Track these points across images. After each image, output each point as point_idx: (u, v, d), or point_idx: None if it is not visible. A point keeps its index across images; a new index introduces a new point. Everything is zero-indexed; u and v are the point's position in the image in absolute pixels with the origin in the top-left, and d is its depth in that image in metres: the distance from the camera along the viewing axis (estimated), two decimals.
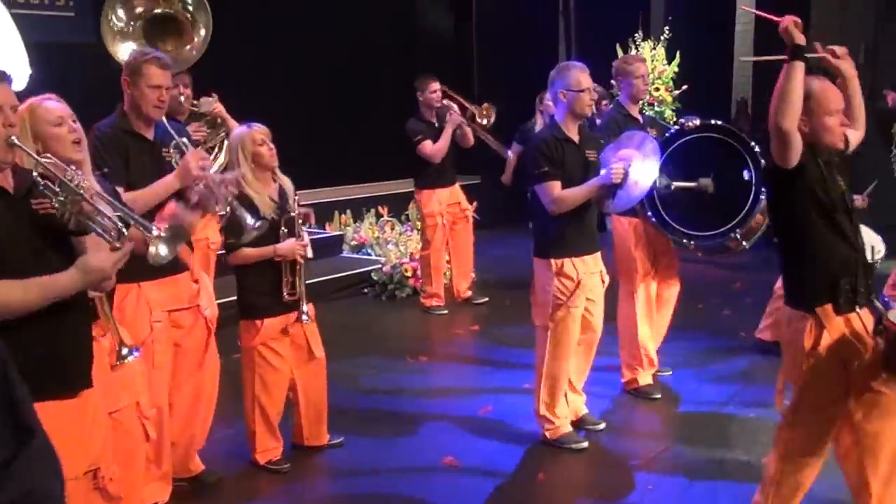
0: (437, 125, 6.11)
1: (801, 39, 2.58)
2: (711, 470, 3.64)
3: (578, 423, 4.02)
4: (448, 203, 6.22)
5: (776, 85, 2.56)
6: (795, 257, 2.77)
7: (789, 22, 2.59)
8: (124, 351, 2.39)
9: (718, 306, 6.15)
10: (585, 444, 3.87)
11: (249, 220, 3.27)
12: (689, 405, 4.46)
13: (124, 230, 2.09)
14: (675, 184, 4.17)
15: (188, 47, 4.06)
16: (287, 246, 3.58)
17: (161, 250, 2.20)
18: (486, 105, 6.39)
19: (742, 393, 4.52)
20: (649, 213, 4.25)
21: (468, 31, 9.98)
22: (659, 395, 4.48)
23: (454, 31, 10.29)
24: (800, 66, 2.54)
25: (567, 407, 3.92)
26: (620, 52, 7.39)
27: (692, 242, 4.24)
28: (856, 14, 8.77)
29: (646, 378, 4.54)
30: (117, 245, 2.07)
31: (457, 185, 6.32)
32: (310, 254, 3.66)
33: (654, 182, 3.98)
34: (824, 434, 2.75)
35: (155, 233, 2.18)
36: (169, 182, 3.06)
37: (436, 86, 6.10)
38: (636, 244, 4.44)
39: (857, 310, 2.69)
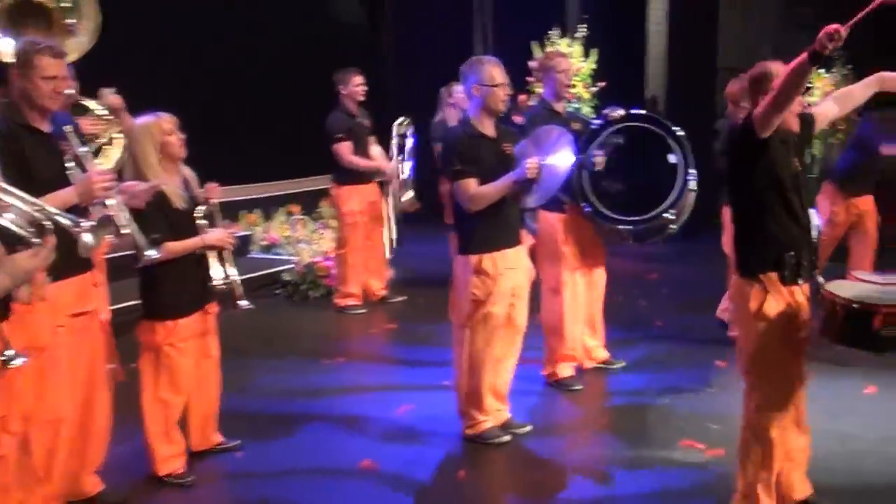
0: (358, 119, 5.99)
1: (827, 49, 2.53)
2: (633, 458, 3.64)
3: (503, 427, 3.88)
4: (368, 201, 6.08)
5: (791, 65, 2.64)
6: (747, 228, 2.94)
7: (832, 29, 2.53)
8: (10, 352, 2.20)
9: (636, 297, 6.25)
10: (507, 439, 3.80)
11: (150, 251, 3.05)
12: (610, 396, 4.49)
13: (47, 224, 2.00)
14: (595, 153, 4.19)
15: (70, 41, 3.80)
16: (217, 235, 3.51)
17: (88, 239, 2.15)
18: (415, 203, 6.15)
19: (659, 380, 4.58)
20: (583, 205, 4.25)
21: (382, 27, 9.86)
22: (580, 387, 4.48)
23: (368, 28, 10.14)
24: (811, 69, 2.62)
25: (491, 403, 3.83)
26: (537, 50, 7.39)
27: (629, 228, 4.27)
28: (760, 14, 9.09)
29: (566, 370, 4.53)
30: (37, 241, 1.98)
31: (374, 183, 6.19)
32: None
33: (580, 171, 4.04)
34: (783, 400, 2.87)
35: (85, 225, 2.12)
36: (67, 197, 2.86)
37: (359, 79, 6.00)
38: (565, 239, 4.42)
39: (800, 283, 2.88)
